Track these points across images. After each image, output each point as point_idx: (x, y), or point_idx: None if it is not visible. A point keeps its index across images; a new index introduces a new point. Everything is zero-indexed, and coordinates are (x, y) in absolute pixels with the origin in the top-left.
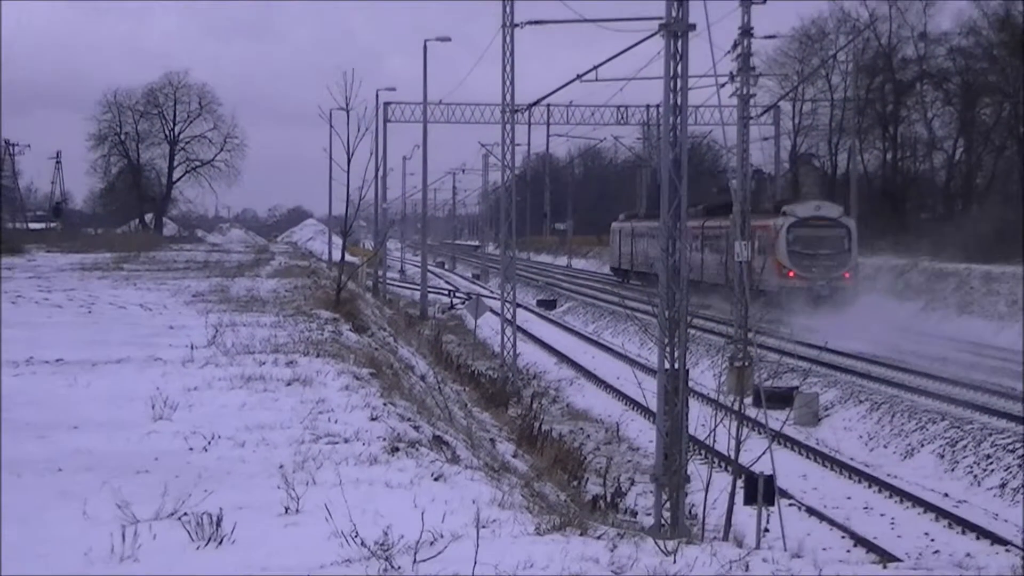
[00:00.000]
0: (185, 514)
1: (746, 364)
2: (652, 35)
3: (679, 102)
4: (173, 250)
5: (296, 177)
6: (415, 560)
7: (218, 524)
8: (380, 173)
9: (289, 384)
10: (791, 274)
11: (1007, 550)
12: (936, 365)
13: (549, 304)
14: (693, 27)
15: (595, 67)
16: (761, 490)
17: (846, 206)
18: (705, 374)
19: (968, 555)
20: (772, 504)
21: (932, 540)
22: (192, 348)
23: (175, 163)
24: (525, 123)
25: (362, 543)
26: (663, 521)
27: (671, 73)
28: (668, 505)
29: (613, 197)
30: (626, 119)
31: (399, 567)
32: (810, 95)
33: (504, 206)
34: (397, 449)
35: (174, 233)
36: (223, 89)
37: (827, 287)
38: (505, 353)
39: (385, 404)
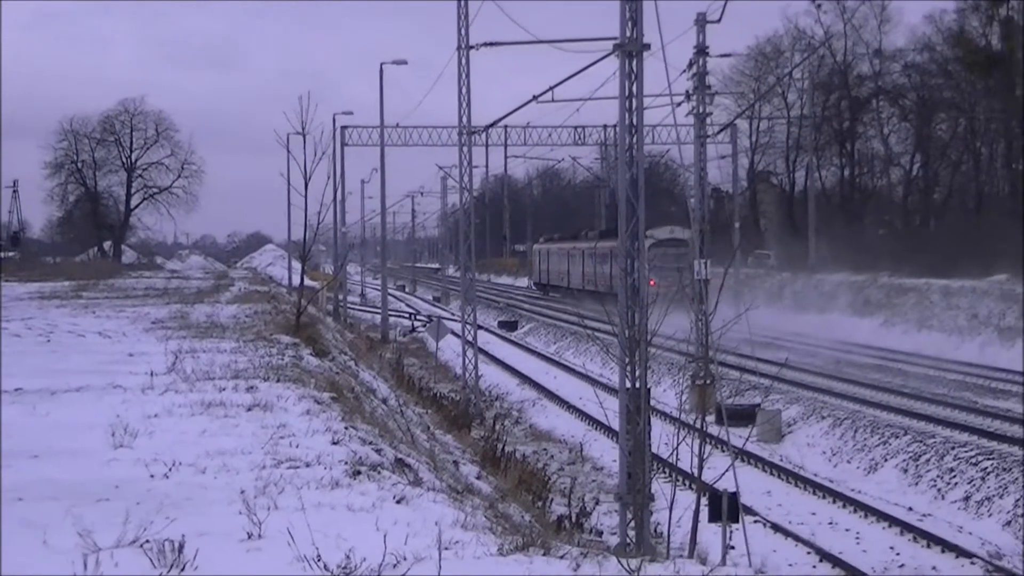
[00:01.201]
0: (147, 541)
1: (708, 382)
2: (607, 55)
3: (635, 122)
4: (132, 277)
5: (255, 203)
6: None
7: (180, 551)
8: (338, 197)
9: (250, 409)
10: (652, 283)
11: (972, 563)
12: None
13: (510, 325)
14: (648, 47)
15: (551, 88)
16: (725, 507)
17: (806, 222)
18: (667, 392)
19: (934, 568)
20: (736, 521)
21: (898, 554)
22: (152, 375)
23: (133, 190)
24: (483, 145)
25: (325, 567)
26: (628, 540)
27: (626, 93)
28: (633, 524)
29: (572, 217)
30: (583, 139)
31: None
32: (767, 113)
33: (463, 228)
34: (359, 472)
35: (133, 260)
36: (183, 116)
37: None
38: (467, 375)
39: (347, 428)
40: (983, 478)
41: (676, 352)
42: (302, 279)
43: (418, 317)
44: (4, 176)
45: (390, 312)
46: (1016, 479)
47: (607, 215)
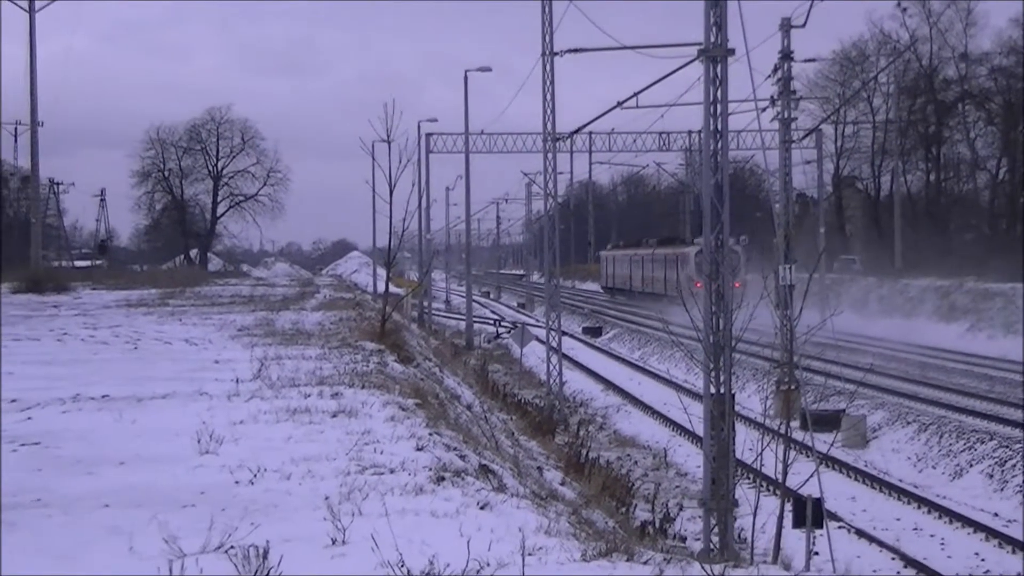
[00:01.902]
0: (232, 547)
1: (792, 387)
2: (691, 61)
3: (720, 127)
4: (218, 285)
5: (340, 210)
6: None
7: (264, 557)
8: (423, 204)
9: (334, 416)
10: (698, 284)
11: None
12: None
13: (595, 332)
14: (732, 52)
15: (635, 94)
16: (810, 513)
17: (891, 227)
18: (752, 398)
19: (1019, 574)
20: (821, 527)
21: (983, 560)
22: (237, 382)
23: (219, 198)
24: (567, 151)
25: (408, 572)
26: (712, 546)
27: (711, 98)
28: (717, 529)
29: (657, 223)
30: (668, 145)
31: None
32: (852, 117)
33: (547, 234)
34: (443, 479)
35: (219, 268)
36: (265, 124)
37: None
38: (551, 381)
39: (431, 434)
40: None
41: (761, 357)
42: (387, 286)
43: (502, 323)
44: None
45: (475, 319)
46: None
47: (692, 221)
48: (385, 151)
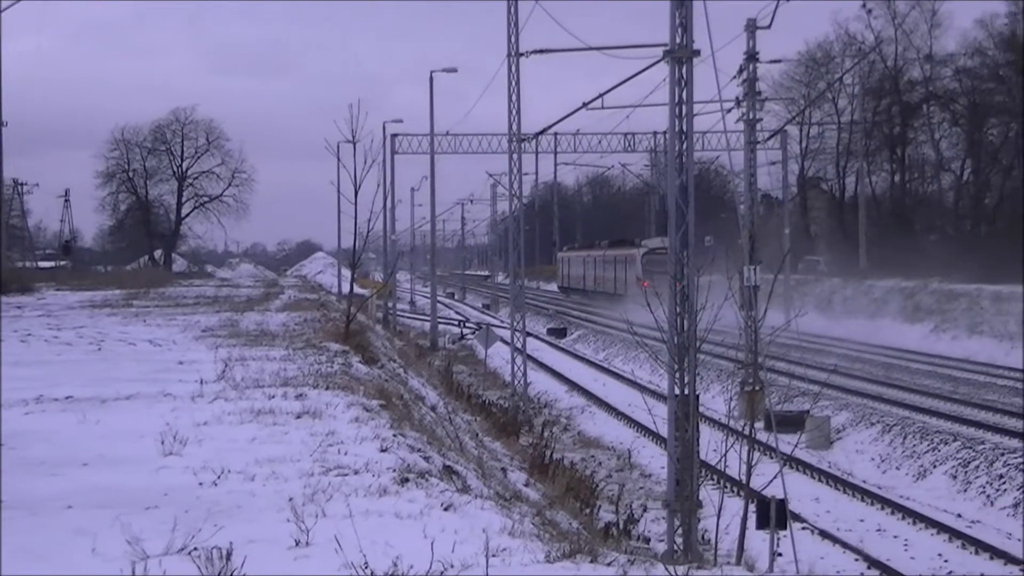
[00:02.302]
0: (195, 549)
1: (757, 388)
2: (657, 62)
3: (685, 128)
4: (183, 286)
5: (305, 211)
6: None
7: (228, 558)
8: (388, 205)
9: (299, 417)
10: (645, 284)
11: (1021, 570)
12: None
13: (559, 332)
14: (697, 53)
15: (601, 95)
16: (773, 514)
17: (856, 228)
18: (716, 399)
19: (982, 575)
20: (785, 528)
21: (946, 561)
22: (202, 383)
23: (183, 199)
24: (532, 152)
25: (372, 574)
26: (676, 547)
27: (676, 99)
28: (681, 531)
29: (623, 224)
30: (633, 146)
31: None
32: (817, 119)
33: (512, 235)
34: (407, 480)
35: (183, 269)
36: (231, 124)
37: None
38: (516, 382)
39: (395, 435)
40: None
41: (725, 358)
42: (352, 287)
43: (467, 324)
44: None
45: (439, 319)
46: None
47: (657, 222)
48: (351, 152)
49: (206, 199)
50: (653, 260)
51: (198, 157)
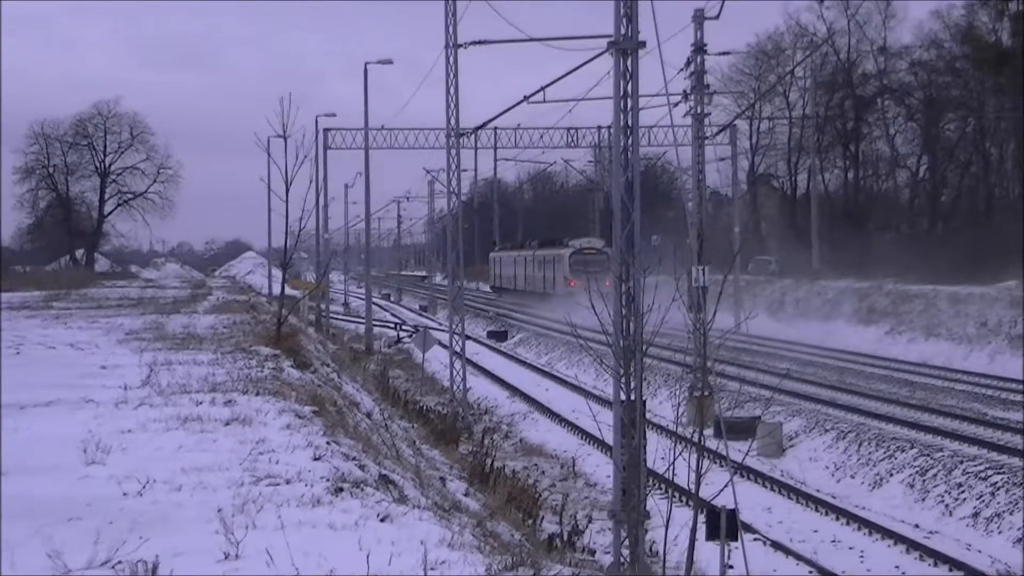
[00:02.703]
0: (119, 562)
1: (706, 394)
2: (601, 54)
3: (630, 122)
4: (105, 287)
5: (234, 209)
6: None
7: (154, 572)
8: (320, 202)
9: (228, 424)
10: (572, 283)
11: None
12: None
13: (500, 336)
14: (643, 44)
15: (543, 88)
16: (724, 525)
17: (808, 227)
18: (664, 405)
19: None
20: (735, 539)
21: (903, 573)
22: (126, 389)
23: (106, 196)
24: (472, 148)
25: None
26: (622, 559)
27: (621, 92)
28: (627, 542)
29: (566, 222)
30: (577, 141)
31: None
32: (768, 113)
33: (451, 234)
34: (341, 490)
35: (106, 269)
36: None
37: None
38: (455, 388)
39: (329, 443)
40: (993, 493)
41: (673, 362)
42: (283, 288)
43: (404, 327)
44: None
45: (375, 322)
46: None
47: (601, 220)
48: (281, 147)
49: (130, 196)
50: (580, 260)
51: (122, 152)
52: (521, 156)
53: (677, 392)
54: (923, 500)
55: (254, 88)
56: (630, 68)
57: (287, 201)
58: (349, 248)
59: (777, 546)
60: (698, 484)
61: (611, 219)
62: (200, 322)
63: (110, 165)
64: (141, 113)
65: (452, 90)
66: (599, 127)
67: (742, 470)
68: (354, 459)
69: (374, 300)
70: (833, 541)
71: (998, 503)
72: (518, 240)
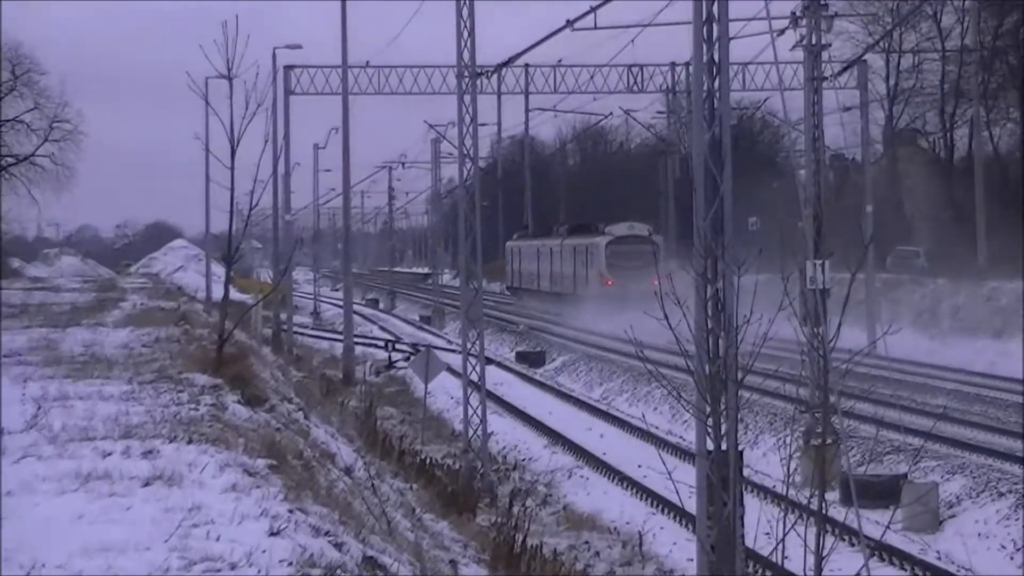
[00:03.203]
0: None
1: (828, 442)
2: None
3: (717, 57)
4: None
5: (158, 179)
6: None
7: None
8: (280, 170)
9: (148, 484)
10: (609, 282)
11: None
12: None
13: (534, 358)
14: None
15: (593, 8)
16: None
17: (970, 204)
18: (768, 457)
19: None
20: None
21: None
22: (2, 433)
23: None
24: (492, 92)
25: None
26: None
27: (704, 15)
28: None
29: (625, 196)
30: (641, 85)
31: None
32: (911, 44)
33: (464, 214)
34: None
35: None
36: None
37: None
38: (471, 433)
39: (292, 511)
40: None
41: (781, 397)
42: (227, 290)
43: (398, 346)
44: None
45: (357, 339)
46: None
47: (676, 194)
48: (224, 92)
49: (10, 160)
50: (619, 252)
51: None
52: (563, 105)
53: (787, 439)
54: None
55: (185, 10)
56: None
57: (232, 168)
58: (320, 235)
59: None
60: (818, 570)
61: (689, 193)
62: (109, 338)
63: None
64: (26, 44)
65: (465, 11)
66: (672, 64)
67: (881, 551)
68: (327, 534)
69: (356, 307)
70: None
71: None
72: (559, 223)
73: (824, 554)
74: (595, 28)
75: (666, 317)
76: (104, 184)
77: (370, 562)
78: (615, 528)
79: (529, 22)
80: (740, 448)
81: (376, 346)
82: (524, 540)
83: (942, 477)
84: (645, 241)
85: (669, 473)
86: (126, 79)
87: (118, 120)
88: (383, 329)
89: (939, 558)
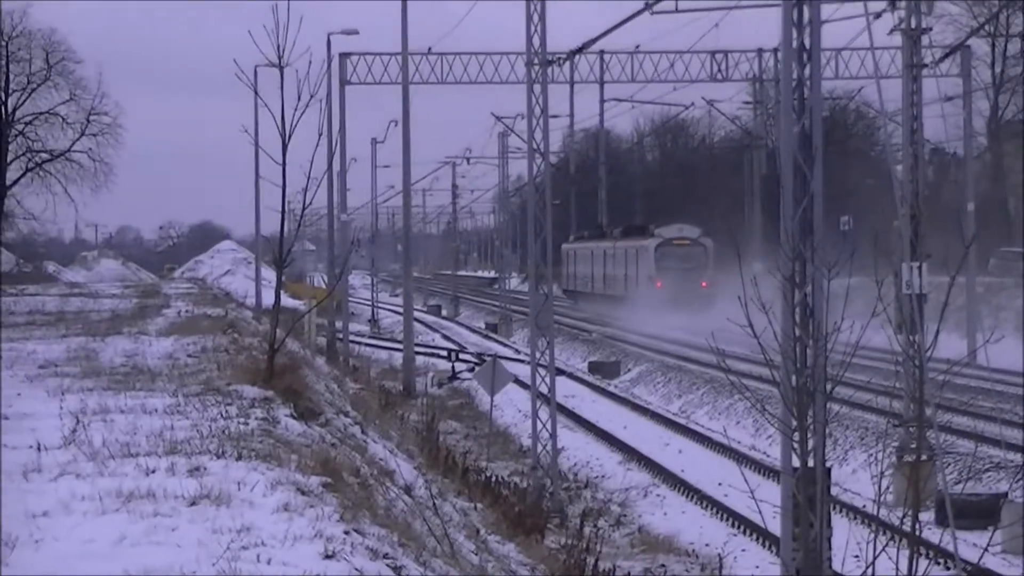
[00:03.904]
0: None
1: (923, 459)
2: None
3: (807, 43)
4: (9, 294)
5: (203, 177)
6: None
7: None
8: (336, 166)
9: (194, 504)
10: (659, 284)
11: None
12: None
13: (608, 369)
14: None
15: None
16: None
17: None
18: (858, 475)
19: None
20: None
21: None
22: (39, 449)
23: (8, 156)
24: (564, 82)
25: None
26: None
27: None
28: None
29: (707, 195)
30: (726, 72)
31: None
32: (1019, 27)
33: (534, 214)
34: None
35: (10, 268)
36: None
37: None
38: (540, 449)
39: (347, 532)
40: None
41: (872, 410)
42: (278, 296)
43: (462, 356)
44: None
45: (418, 348)
46: None
47: (763, 191)
48: (275, 82)
49: (45, 157)
50: (668, 253)
51: (32, 90)
52: (641, 95)
53: (879, 456)
54: None
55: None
56: None
57: (284, 164)
58: (378, 236)
59: None
60: None
61: (777, 191)
62: (152, 348)
63: (14, 109)
64: (61, 31)
65: None
66: (759, 51)
67: (978, 575)
68: (386, 556)
69: (417, 314)
70: None
71: None
72: (636, 222)
73: None
74: (676, 11)
75: (750, 324)
76: (146, 182)
77: None
78: (693, 550)
79: (604, 6)
80: (828, 465)
81: (438, 356)
82: (596, 563)
83: None
84: (694, 244)
85: (752, 491)
86: (168, 66)
87: (160, 113)
88: (446, 338)
89: None
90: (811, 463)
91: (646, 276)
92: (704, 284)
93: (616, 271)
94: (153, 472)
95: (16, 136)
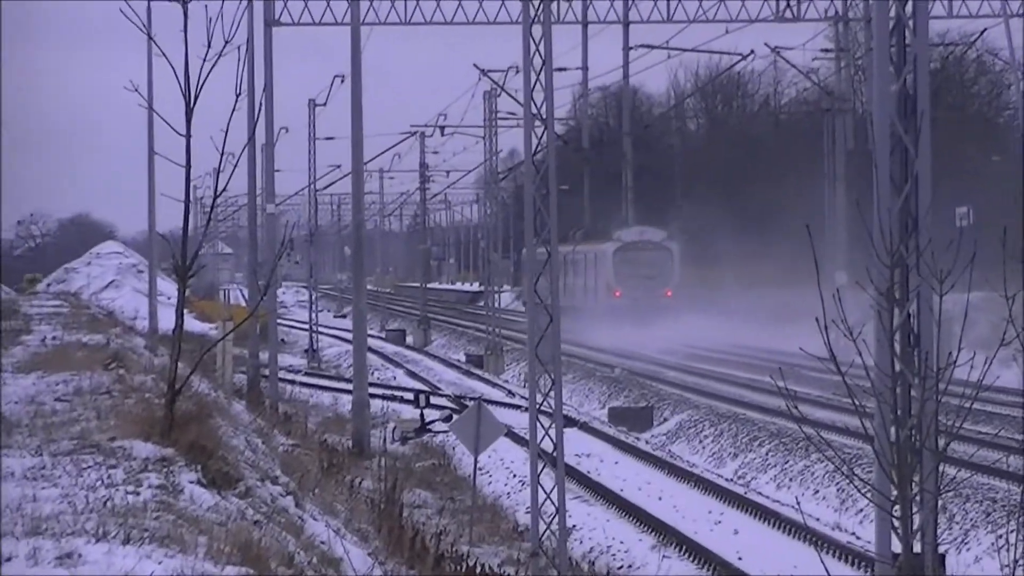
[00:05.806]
0: None
1: None
2: None
3: None
4: None
5: (78, 155)
6: None
7: None
8: (259, 137)
9: None
10: (617, 293)
11: None
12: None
13: (637, 418)
14: None
15: None
16: None
17: None
18: (983, 563)
19: None
20: None
21: None
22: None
23: None
24: (575, 22)
25: None
26: None
27: None
28: None
29: (774, 176)
30: (797, 12)
31: None
32: None
33: (534, 202)
34: None
35: None
36: None
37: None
38: (543, 528)
39: None
40: None
41: (998, 474)
42: (180, 317)
43: (435, 400)
44: None
45: (373, 390)
46: None
47: (848, 169)
48: (175, 22)
49: None
50: (629, 259)
51: None
52: (679, 41)
53: (1010, 537)
54: None
55: None
56: None
57: (188, 135)
58: (318, 234)
59: None
60: None
61: (869, 171)
62: (8, 390)
63: None
64: None
65: None
66: None
67: None
68: None
69: (373, 342)
70: None
71: None
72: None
73: None
74: None
75: (832, 357)
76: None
77: None
78: None
79: None
80: (942, 550)
81: (402, 400)
82: None
83: None
84: (658, 248)
85: None
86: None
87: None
88: (412, 374)
89: None
90: (917, 548)
91: (604, 284)
92: (668, 293)
93: (575, 280)
94: (7, 561)
95: None
